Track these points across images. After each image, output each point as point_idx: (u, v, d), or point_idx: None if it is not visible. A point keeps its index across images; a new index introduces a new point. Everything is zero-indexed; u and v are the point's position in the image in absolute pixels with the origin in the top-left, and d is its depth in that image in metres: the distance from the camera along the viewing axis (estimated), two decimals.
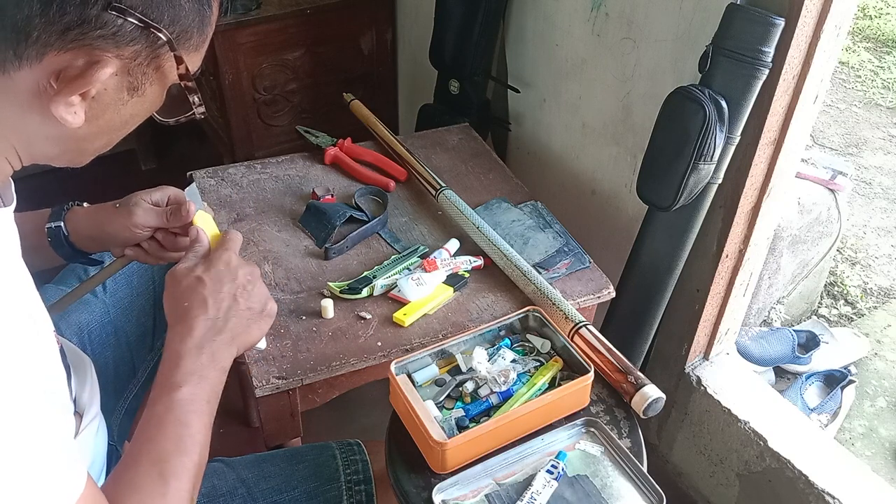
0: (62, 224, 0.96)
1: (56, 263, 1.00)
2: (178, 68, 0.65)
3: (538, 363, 0.97)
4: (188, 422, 0.73)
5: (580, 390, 0.92)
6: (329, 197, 1.33)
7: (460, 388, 0.93)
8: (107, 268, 1.00)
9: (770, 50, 1.02)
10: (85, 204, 1.00)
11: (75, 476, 0.62)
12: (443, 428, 0.87)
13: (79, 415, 0.82)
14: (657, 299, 1.27)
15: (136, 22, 0.59)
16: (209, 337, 0.77)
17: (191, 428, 0.73)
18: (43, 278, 1.07)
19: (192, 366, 0.75)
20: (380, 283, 1.14)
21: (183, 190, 0.97)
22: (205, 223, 0.88)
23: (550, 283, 1.13)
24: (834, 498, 1.20)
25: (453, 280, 1.16)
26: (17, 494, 0.56)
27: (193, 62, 0.67)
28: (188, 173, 1.38)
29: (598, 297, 1.19)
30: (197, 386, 0.74)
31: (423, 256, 1.19)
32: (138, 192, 0.97)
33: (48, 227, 0.95)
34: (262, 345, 0.94)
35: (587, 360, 0.94)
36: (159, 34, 0.61)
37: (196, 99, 0.70)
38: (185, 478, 0.71)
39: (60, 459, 0.61)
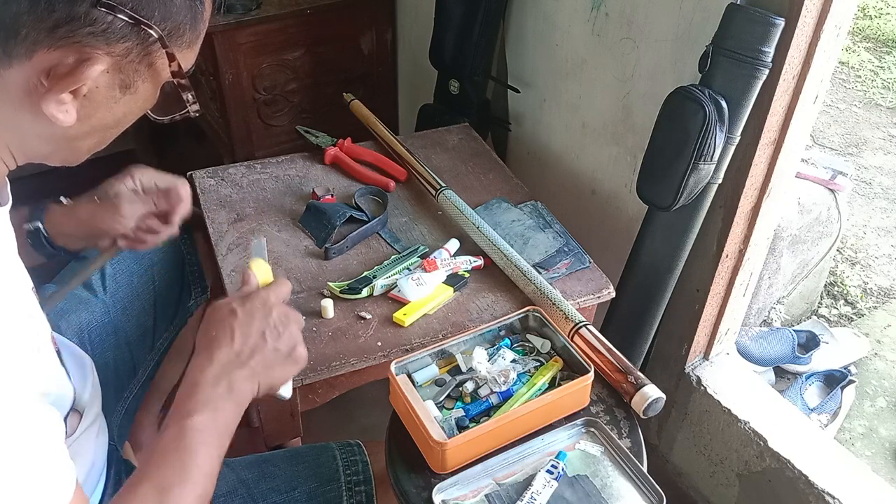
0: (41, 225, 0.94)
1: (37, 262, 0.97)
2: (170, 66, 0.65)
3: (538, 363, 0.97)
4: (195, 452, 0.70)
5: (580, 390, 0.92)
6: (329, 197, 1.33)
7: (460, 388, 0.93)
8: (97, 259, 1.00)
9: (770, 50, 1.02)
10: (63, 199, 0.98)
11: (65, 484, 0.61)
12: (443, 428, 0.87)
13: (79, 413, 0.81)
14: (657, 299, 1.27)
15: (126, 18, 0.59)
16: (229, 369, 0.75)
17: (197, 458, 0.70)
18: (43, 278, 1.06)
19: (208, 396, 0.73)
20: (380, 283, 1.14)
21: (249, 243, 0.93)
22: (260, 270, 0.86)
23: (550, 283, 1.13)
24: (834, 498, 1.20)
25: (453, 280, 1.16)
26: (5, 499, 0.56)
27: (187, 59, 0.67)
28: (188, 173, 1.37)
29: (598, 297, 1.19)
30: (210, 416, 0.72)
31: (423, 256, 1.19)
32: (110, 181, 0.95)
33: (27, 229, 0.94)
34: (287, 393, 0.89)
35: (587, 360, 0.94)
36: (150, 31, 0.61)
37: (190, 97, 0.69)
38: None
39: (50, 467, 0.60)
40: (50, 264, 1.01)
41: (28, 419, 0.58)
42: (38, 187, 1.05)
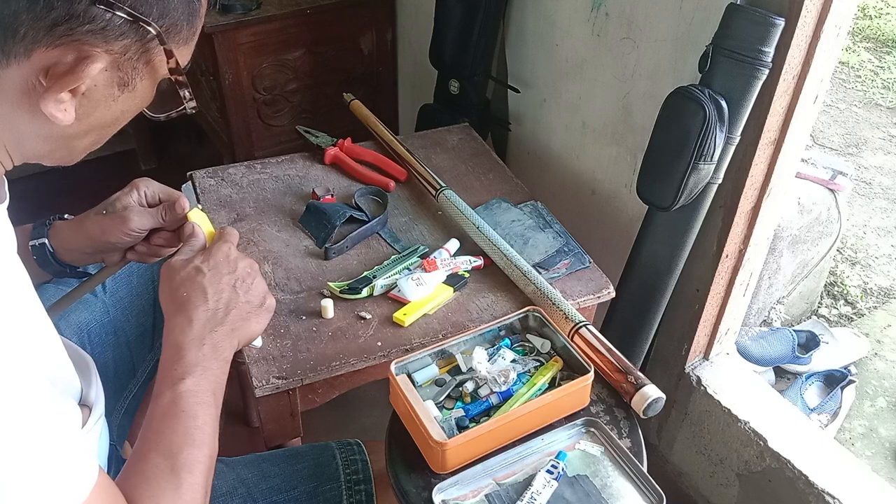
0: (46, 241, 0.94)
1: (42, 279, 0.97)
2: (168, 62, 0.65)
3: (538, 363, 0.97)
4: (195, 413, 0.72)
5: (580, 390, 0.92)
6: (329, 197, 1.33)
7: (460, 388, 0.93)
8: (105, 269, 1.00)
9: (770, 50, 1.02)
10: (66, 216, 0.98)
11: (88, 468, 0.62)
12: (443, 428, 0.87)
13: (88, 408, 0.81)
14: (657, 299, 1.27)
15: (124, 16, 0.59)
16: (209, 327, 0.76)
17: (198, 420, 0.72)
18: (42, 278, 1.06)
19: (195, 357, 0.74)
20: (380, 283, 1.14)
21: (179, 189, 0.96)
22: (200, 220, 0.87)
23: (550, 283, 1.13)
24: (834, 498, 1.20)
25: (453, 280, 1.16)
26: (32, 487, 0.57)
27: (183, 56, 0.67)
28: (188, 173, 1.38)
29: (598, 297, 1.19)
30: (201, 377, 0.74)
31: (423, 256, 1.19)
32: (118, 194, 0.94)
33: (32, 245, 0.93)
34: (259, 342, 0.93)
35: (587, 360, 0.94)
36: (148, 28, 0.61)
37: (187, 93, 0.69)
38: (198, 471, 0.71)
39: (73, 452, 0.61)
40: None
41: (42, 409, 0.59)
42: (37, 187, 1.05)
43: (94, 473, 0.62)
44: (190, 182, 0.90)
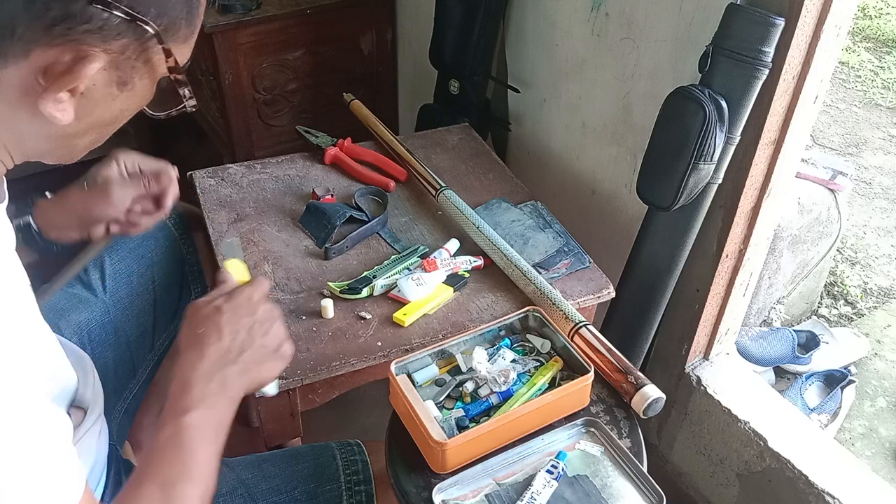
0: (31, 219, 0.94)
1: (30, 260, 0.97)
2: (166, 61, 0.64)
3: (538, 363, 0.97)
4: (195, 448, 0.71)
5: (580, 390, 0.92)
6: (329, 197, 1.33)
7: (460, 388, 0.93)
8: (90, 249, 0.99)
9: (770, 50, 1.02)
10: (48, 194, 0.98)
11: (73, 484, 0.61)
12: (443, 428, 0.87)
13: (83, 410, 0.81)
14: (657, 299, 1.27)
15: (122, 15, 0.59)
16: (220, 365, 0.75)
17: (197, 455, 0.71)
18: (42, 278, 1.06)
19: (202, 392, 0.73)
20: (380, 283, 1.14)
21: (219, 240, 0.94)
22: (236, 271, 0.86)
23: (550, 283, 1.13)
24: (834, 498, 1.20)
25: (453, 280, 1.16)
26: (14, 498, 0.56)
27: (182, 54, 0.66)
28: (188, 173, 1.37)
29: (598, 297, 1.19)
30: (206, 413, 0.73)
31: (423, 256, 1.19)
32: (97, 167, 0.94)
33: (16, 225, 0.93)
34: (272, 390, 0.91)
35: (587, 360, 0.94)
36: (146, 27, 0.61)
37: (186, 92, 0.69)
38: None
39: (59, 465, 0.60)
40: (44, 266, 1.00)
41: (35, 418, 0.58)
42: (35, 187, 1.05)
43: (80, 491, 0.62)
44: (236, 238, 0.90)
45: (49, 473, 0.59)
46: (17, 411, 0.57)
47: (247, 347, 0.78)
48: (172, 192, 1.02)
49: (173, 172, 0.99)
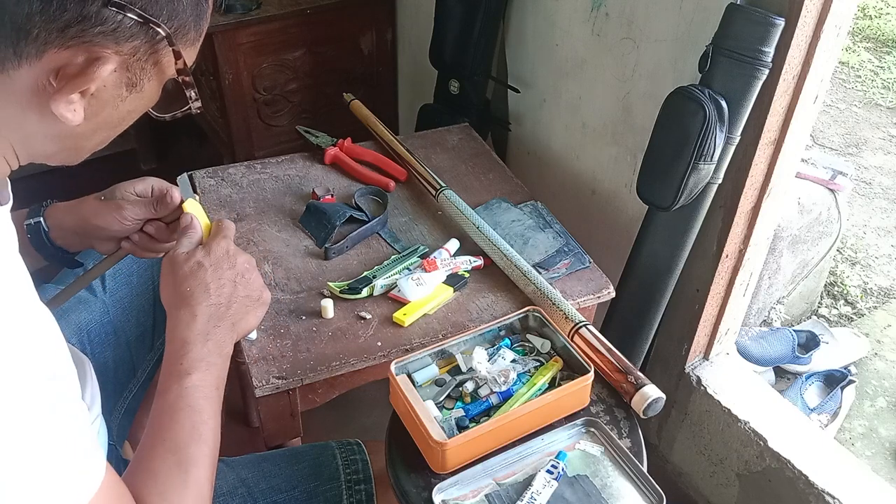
0: (42, 220, 0.95)
1: (37, 266, 0.97)
2: (175, 63, 0.65)
3: (538, 363, 0.97)
4: (200, 409, 0.74)
5: (580, 390, 0.92)
6: (329, 197, 1.33)
7: (460, 388, 0.93)
8: (103, 262, 0.99)
9: (770, 50, 1.02)
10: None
11: (95, 463, 0.62)
12: (443, 428, 0.87)
13: None
14: (657, 299, 1.27)
15: (135, 17, 0.59)
16: (213, 323, 0.78)
17: (203, 415, 0.74)
18: (41, 277, 1.06)
19: (200, 353, 0.76)
20: (380, 283, 1.14)
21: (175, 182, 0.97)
22: (195, 211, 0.88)
23: (550, 283, 1.13)
24: (834, 498, 1.20)
25: (453, 280, 1.16)
26: (39, 485, 0.57)
27: (190, 56, 0.67)
28: (188, 173, 1.37)
29: (598, 297, 1.19)
30: (206, 373, 0.76)
31: (423, 256, 1.19)
32: (121, 183, 0.96)
33: (27, 224, 0.94)
34: (254, 335, 0.96)
35: (587, 360, 0.94)
36: (158, 29, 0.61)
37: (193, 93, 0.70)
38: (203, 465, 0.72)
39: (80, 448, 0.61)
40: (47, 267, 1.00)
41: (47, 406, 0.59)
42: (38, 187, 1.05)
43: (102, 471, 0.63)
44: (186, 174, 0.91)
45: (68, 460, 0.59)
46: (29, 400, 0.57)
47: (233, 301, 0.81)
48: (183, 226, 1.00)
49: (178, 197, 0.97)
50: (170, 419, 0.73)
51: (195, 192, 0.92)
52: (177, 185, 0.96)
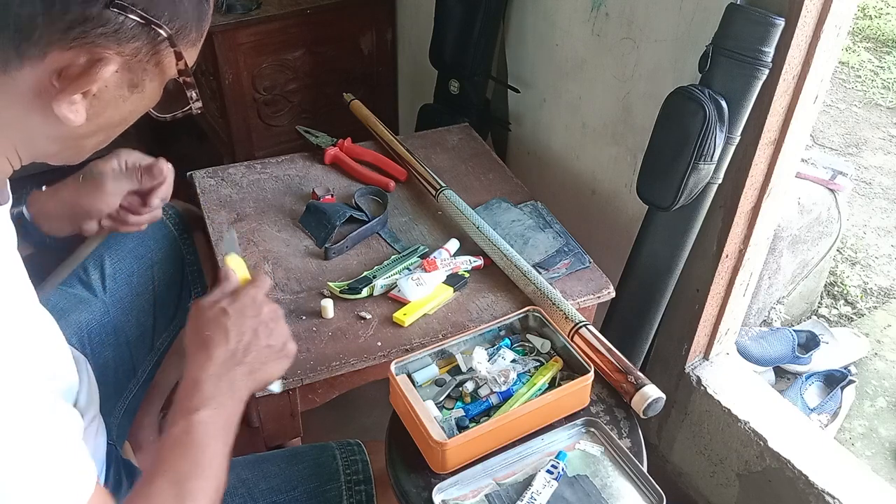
0: (24, 209, 0.94)
1: (25, 253, 0.98)
2: (177, 64, 0.65)
3: (538, 363, 0.97)
4: (206, 445, 0.72)
5: (580, 390, 0.92)
6: (329, 197, 1.33)
7: (460, 388, 0.93)
8: (86, 245, 0.99)
9: (770, 50, 1.02)
10: (44, 188, 0.99)
11: (85, 479, 0.62)
12: (443, 428, 0.87)
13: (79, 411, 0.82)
14: (657, 299, 1.27)
15: (137, 19, 0.59)
16: (228, 367, 0.77)
17: (208, 452, 0.72)
18: (41, 277, 1.06)
19: (210, 392, 0.75)
20: (380, 283, 1.14)
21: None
22: (237, 266, 0.87)
23: (550, 283, 1.13)
24: (834, 498, 1.20)
25: (453, 280, 1.16)
26: (39, 484, 0.57)
27: (191, 57, 0.68)
28: (188, 173, 1.38)
29: (598, 297, 1.19)
30: (215, 411, 0.74)
31: (423, 256, 1.19)
32: (94, 161, 0.95)
33: (10, 215, 0.94)
34: (276, 388, 0.93)
35: (587, 360, 0.94)
36: (160, 30, 0.61)
37: (194, 94, 0.70)
38: (202, 500, 0.70)
39: (70, 461, 0.61)
40: (42, 264, 1.00)
41: (43, 415, 0.59)
42: (37, 187, 1.05)
43: (91, 485, 0.62)
44: (234, 231, 0.91)
45: (61, 469, 0.59)
46: (25, 409, 0.57)
47: (252, 349, 0.79)
48: (163, 190, 1.02)
49: (167, 168, 0.99)
50: (173, 452, 0.72)
51: (239, 247, 0.91)
52: (222, 238, 0.95)
